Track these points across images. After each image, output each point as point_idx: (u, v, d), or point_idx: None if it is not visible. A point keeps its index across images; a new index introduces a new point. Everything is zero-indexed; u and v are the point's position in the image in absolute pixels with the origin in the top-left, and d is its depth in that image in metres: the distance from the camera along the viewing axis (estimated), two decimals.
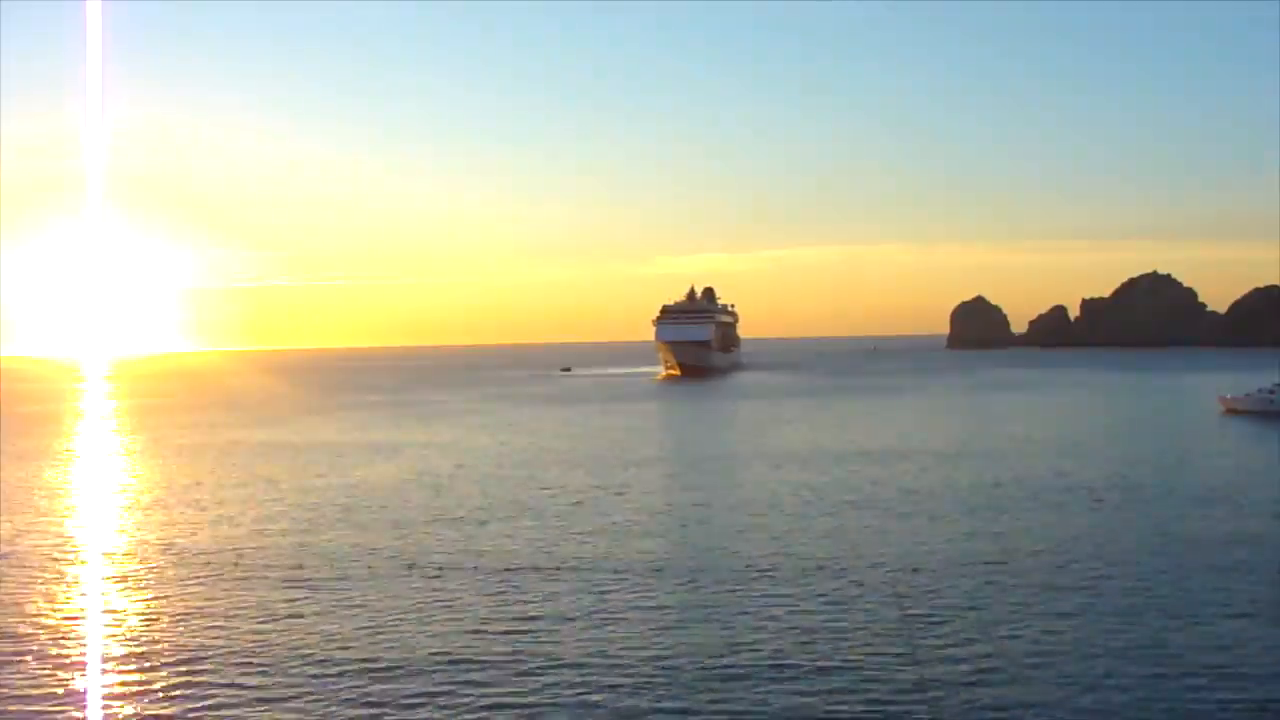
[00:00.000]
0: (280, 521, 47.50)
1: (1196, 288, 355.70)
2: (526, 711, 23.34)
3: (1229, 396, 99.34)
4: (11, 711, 23.85)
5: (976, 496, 50.93)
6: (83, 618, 31.69)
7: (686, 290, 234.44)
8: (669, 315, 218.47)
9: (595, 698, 24.10)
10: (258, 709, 23.83)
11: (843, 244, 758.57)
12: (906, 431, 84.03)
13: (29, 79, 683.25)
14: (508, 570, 36.71)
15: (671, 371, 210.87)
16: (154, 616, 31.60)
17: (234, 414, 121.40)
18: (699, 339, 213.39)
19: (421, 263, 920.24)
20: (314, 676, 25.80)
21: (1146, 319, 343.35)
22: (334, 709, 23.73)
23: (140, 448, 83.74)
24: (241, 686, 25.22)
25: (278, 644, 28.48)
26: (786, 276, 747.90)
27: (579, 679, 25.27)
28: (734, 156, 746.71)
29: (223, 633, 29.63)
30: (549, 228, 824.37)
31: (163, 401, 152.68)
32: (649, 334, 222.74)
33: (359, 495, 54.90)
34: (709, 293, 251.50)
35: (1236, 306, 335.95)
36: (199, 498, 55.09)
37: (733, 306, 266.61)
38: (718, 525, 45.23)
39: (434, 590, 34.20)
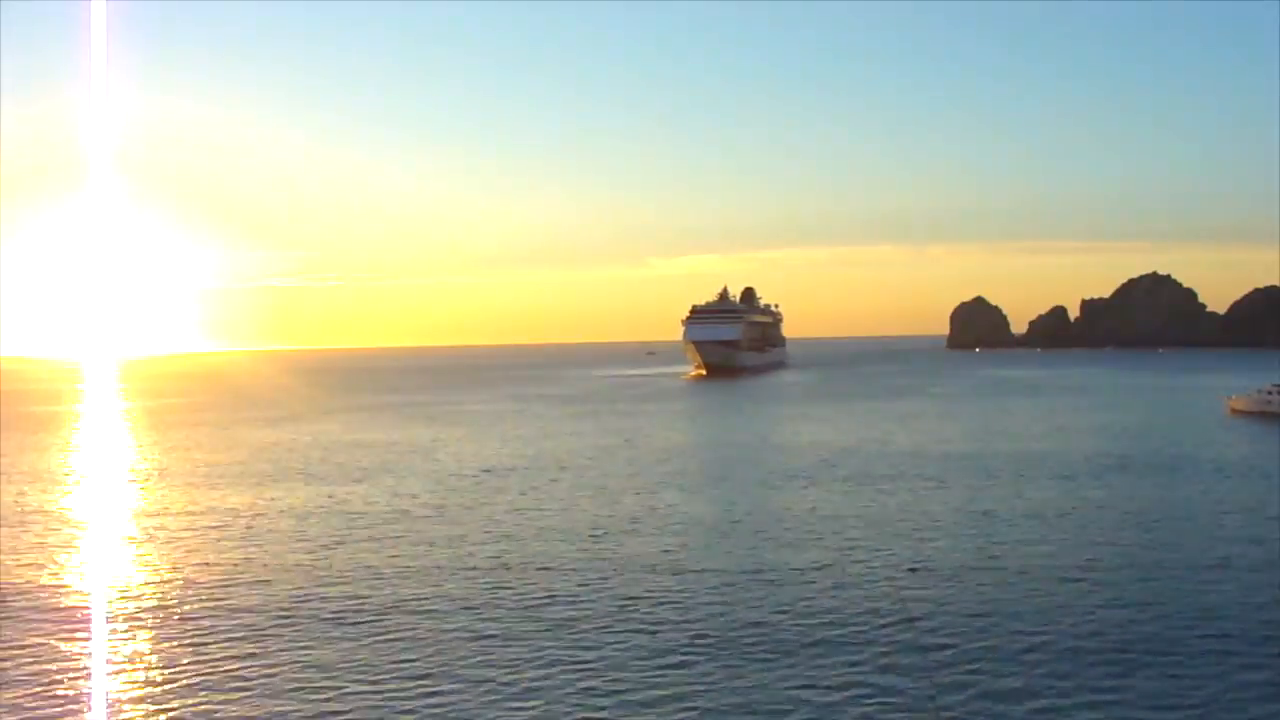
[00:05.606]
0: (324, 524, 47.23)
1: (1196, 288, 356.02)
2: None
3: (1233, 397, 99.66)
4: (16, 711, 23.61)
5: (990, 498, 50.66)
6: (87, 622, 31.45)
7: (720, 290, 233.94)
8: (697, 315, 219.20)
9: (574, 689, 23.84)
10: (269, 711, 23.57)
11: (835, 245, 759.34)
12: (926, 433, 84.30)
13: (33, 70, 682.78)
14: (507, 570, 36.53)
15: (699, 371, 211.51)
16: (160, 619, 31.35)
17: (259, 413, 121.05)
18: (726, 338, 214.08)
19: (417, 264, 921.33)
20: (321, 675, 25.55)
21: (1146, 319, 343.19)
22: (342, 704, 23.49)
23: (151, 449, 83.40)
24: (248, 688, 24.95)
25: (294, 646, 28.22)
26: (779, 277, 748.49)
27: (567, 679, 25.02)
28: (726, 157, 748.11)
29: (229, 634, 29.35)
30: (542, 229, 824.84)
31: (174, 402, 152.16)
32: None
33: (386, 498, 54.62)
34: (748, 293, 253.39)
35: (1236, 307, 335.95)
36: (215, 500, 54.79)
37: (776, 306, 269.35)
38: (727, 526, 44.98)
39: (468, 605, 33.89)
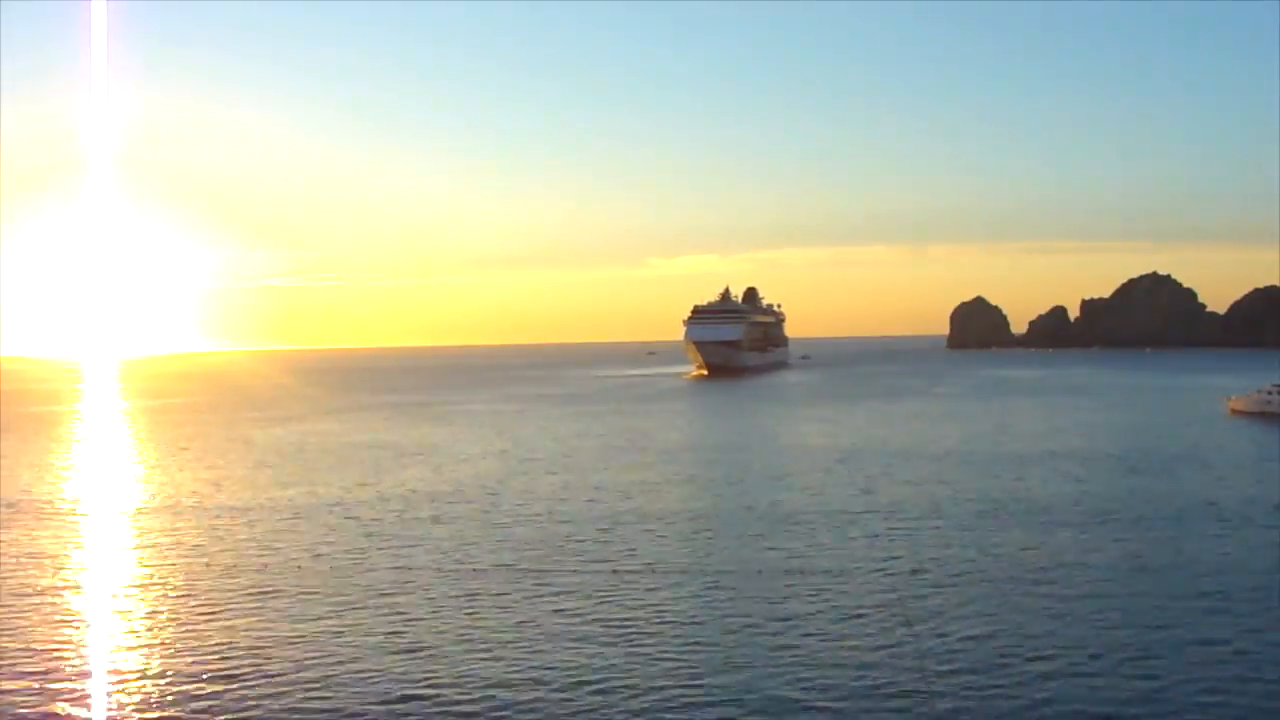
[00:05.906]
0: (318, 526, 47.20)
1: (1196, 288, 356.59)
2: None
3: (1233, 397, 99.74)
4: (16, 712, 23.59)
5: (992, 499, 50.63)
6: (88, 624, 31.42)
7: (721, 290, 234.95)
8: (699, 315, 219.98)
9: (587, 693, 23.84)
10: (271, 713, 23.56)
11: (835, 245, 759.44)
12: (929, 433, 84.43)
13: (33, 70, 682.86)
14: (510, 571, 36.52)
15: (701, 371, 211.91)
16: (163, 621, 31.31)
17: (260, 413, 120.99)
18: (728, 339, 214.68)
19: (417, 264, 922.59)
20: (322, 678, 25.55)
21: (1146, 319, 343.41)
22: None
23: (153, 449, 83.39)
24: (245, 690, 24.93)
25: (292, 649, 28.20)
26: (779, 277, 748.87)
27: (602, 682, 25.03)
28: (726, 157, 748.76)
29: (231, 636, 29.34)
30: (542, 229, 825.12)
31: (174, 402, 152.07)
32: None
33: (383, 498, 54.61)
34: (751, 293, 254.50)
35: (1236, 307, 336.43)
36: (218, 501, 54.79)
37: (779, 306, 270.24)
38: (726, 521, 44.96)
39: (461, 597, 33.86)
